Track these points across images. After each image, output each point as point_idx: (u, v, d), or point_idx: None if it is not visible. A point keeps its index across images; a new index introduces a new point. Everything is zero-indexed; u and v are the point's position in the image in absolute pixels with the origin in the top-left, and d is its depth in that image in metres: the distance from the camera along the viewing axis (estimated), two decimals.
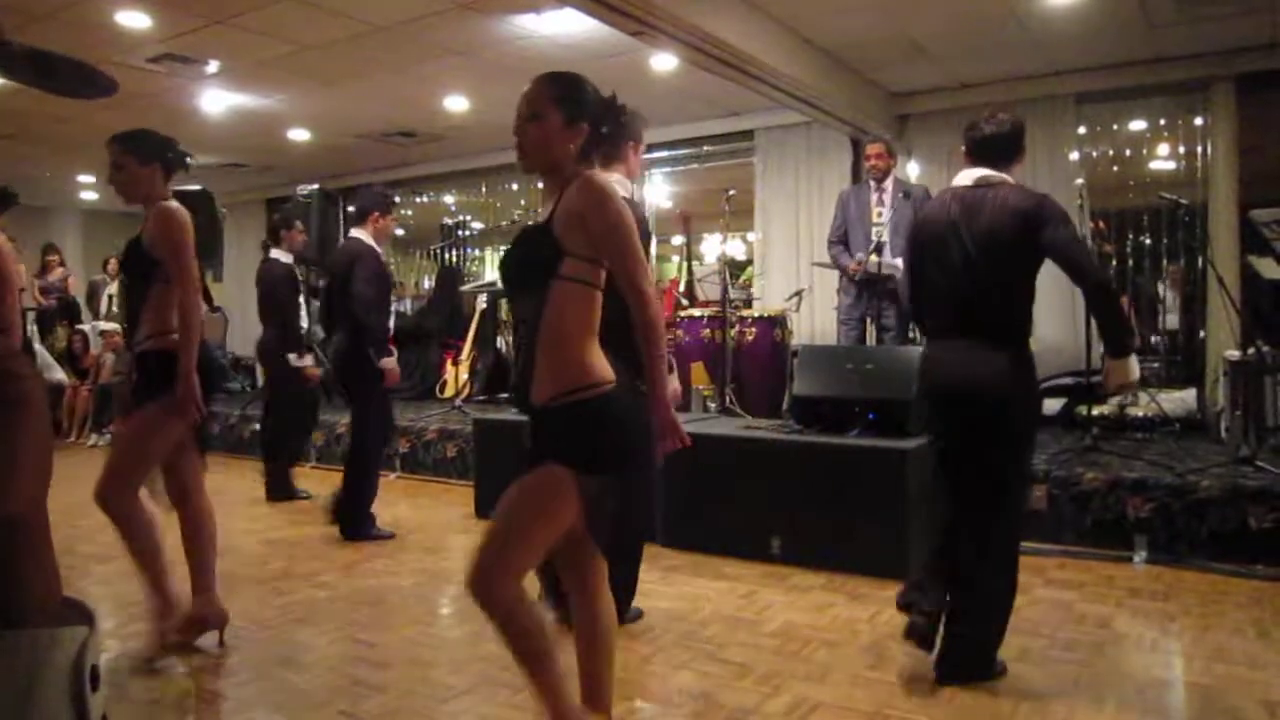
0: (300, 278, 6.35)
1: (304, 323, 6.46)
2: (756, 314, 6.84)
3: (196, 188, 9.29)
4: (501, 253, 12.90)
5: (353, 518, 5.01)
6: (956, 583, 2.94)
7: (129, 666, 3.19)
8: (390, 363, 4.95)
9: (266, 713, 2.81)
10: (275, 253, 6.13)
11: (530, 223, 2.19)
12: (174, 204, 3.22)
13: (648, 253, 3.68)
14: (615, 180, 3.54)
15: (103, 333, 9.55)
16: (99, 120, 8.23)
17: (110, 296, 10.83)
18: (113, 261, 10.96)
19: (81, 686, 0.95)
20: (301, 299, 6.37)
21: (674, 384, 3.56)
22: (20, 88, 7.07)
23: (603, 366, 2.11)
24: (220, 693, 2.96)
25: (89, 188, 12.10)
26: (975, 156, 3.04)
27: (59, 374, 9.36)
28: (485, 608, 2.11)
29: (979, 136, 3.02)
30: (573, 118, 2.17)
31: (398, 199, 11.55)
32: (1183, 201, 5.18)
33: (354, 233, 5.12)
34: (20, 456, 0.93)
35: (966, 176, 3.03)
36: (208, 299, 10.58)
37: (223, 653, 3.31)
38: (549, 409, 2.11)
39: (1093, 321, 5.62)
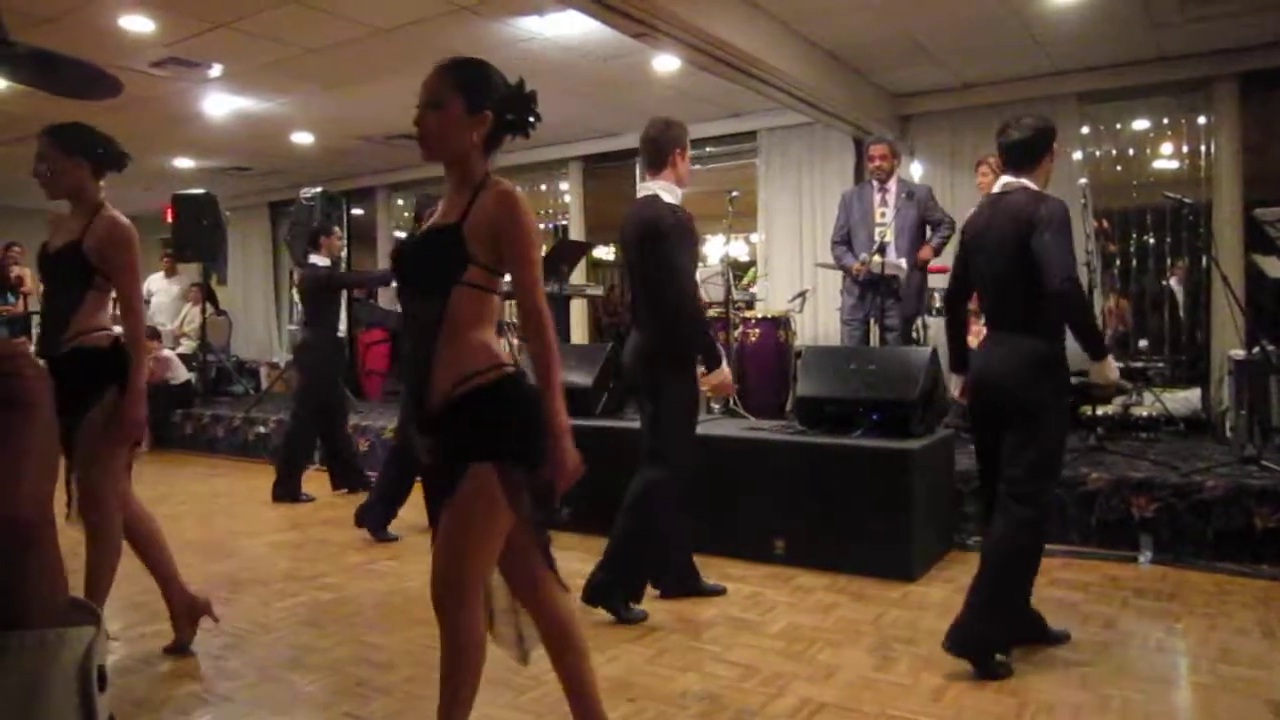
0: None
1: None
2: (760, 315, 6.84)
3: (200, 191, 9.32)
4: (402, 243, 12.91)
5: (382, 514, 5.07)
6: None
7: (137, 668, 3.20)
8: None
9: (272, 715, 2.81)
10: (314, 258, 6.15)
11: (437, 223, 2.13)
12: (122, 218, 3.08)
13: (695, 258, 3.73)
14: (662, 188, 3.59)
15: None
16: (102, 124, 8.24)
17: (114, 300, 10.84)
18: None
19: (89, 686, 0.95)
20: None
21: (723, 375, 3.62)
22: (24, 91, 7.09)
23: (500, 353, 2.08)
24: (227, 695, 2.97)
25: None
26: (1004, 163, 3.21)
27: None
28: (450, 619, 2.10)
29: (1004, 144, 3.19)
30: (475, 106, 2.08)
31: (400, 201, 11.62)
32: (1186, 201, 5.17)
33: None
34: (25, 457, 0.93)
35: (998, 184, 3.21)
36: (213, 303, 10.61)
37: (230, 655, 3.31)
38: (450, 402, 2.04)
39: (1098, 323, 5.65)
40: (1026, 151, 3.14)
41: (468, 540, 2.07)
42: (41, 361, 2.93)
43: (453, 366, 2.04)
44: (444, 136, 2.10)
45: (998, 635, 3.00)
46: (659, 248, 3.53)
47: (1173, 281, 8.18)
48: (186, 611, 3.35)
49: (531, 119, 2.18)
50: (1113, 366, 3.08)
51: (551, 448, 2.03)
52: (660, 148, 3.66)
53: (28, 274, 9.77)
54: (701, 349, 3.62)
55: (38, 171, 3.04)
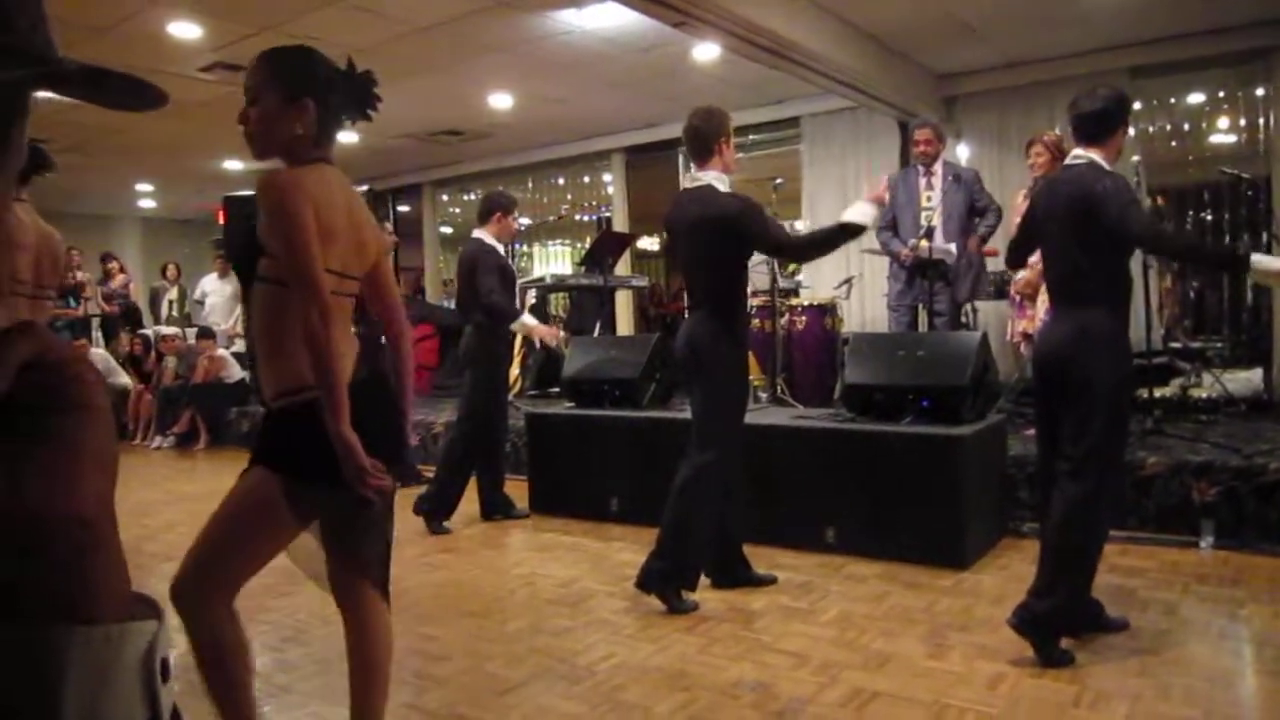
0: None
1: None
2: (806, 302, 6.80)
3: (250, 193, 9.48)
4: (549, 248, 13.00)
5: (444, 506, 5.17)
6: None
7: (194, 662, 3.28)
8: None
9: (330, 706, 2.87)
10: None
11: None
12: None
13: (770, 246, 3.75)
14: (715, 178, 3.60)
15: (163, 337, 9.80)
16: (155, 130, 8.44)
17: (170, 302, 11.11)
18: (171, 267, 11.24)
19: (153, 678, 0.98)
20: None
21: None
22: (78, 102, 7.27)
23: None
24: (286, 686, 3.03)
25: (147, 196, 12.40)
26: (1075, 135, 3.16)
27: (123, 378, 9.64)
28: (189, 620, 2.05)
29: (1074, 115, 3.13)
30: (292, 95, 1.99)
31: (445, 197, 11.72)
32: (1244, 176, 5.04)
33: (476, 233, 5.26)
34: (86, 458, 0.96)
35: (1069, 156, 3.17)
36: None
37: (288, 647, 3.38)
38: (270, 410, 2.05)
39: (1153, 302, 5.52)
40: (1099, 123, 3.08)
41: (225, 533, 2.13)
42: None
43: (277, 377, 2.04)
44: (265, 131, 2.02)
45: (1059, 619, 2.96)
46: (737, 232, 3.55)
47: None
48: None
49: (368, 101, 2.11)
50: (1263, 260, 2.90)
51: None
52: (705, 137, 3.65)
53: (88, 279, 10.04)
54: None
55: None
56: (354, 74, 2.08)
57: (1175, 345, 6.90)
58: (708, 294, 3.64)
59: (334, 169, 2.08)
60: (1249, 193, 5.84)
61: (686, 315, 3.84)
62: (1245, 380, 6.41)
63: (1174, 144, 7.71)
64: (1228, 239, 7.73)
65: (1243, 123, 7.14)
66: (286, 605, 3.89)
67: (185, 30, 5.95)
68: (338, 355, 1.92)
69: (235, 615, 2.10)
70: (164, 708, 0.99)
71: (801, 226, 8.89)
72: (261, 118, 2.00)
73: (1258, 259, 2.88)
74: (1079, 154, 3.10)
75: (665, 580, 3.60)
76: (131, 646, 0.98)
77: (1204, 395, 6.12)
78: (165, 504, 6.12)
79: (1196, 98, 7.39)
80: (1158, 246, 3.02)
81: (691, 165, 3.75)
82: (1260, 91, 6.79)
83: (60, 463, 0.88)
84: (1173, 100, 7.42)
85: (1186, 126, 7.63)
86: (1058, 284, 3.16)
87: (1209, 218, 7.76)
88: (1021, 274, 5.32)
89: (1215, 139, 7.79)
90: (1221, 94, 7.23)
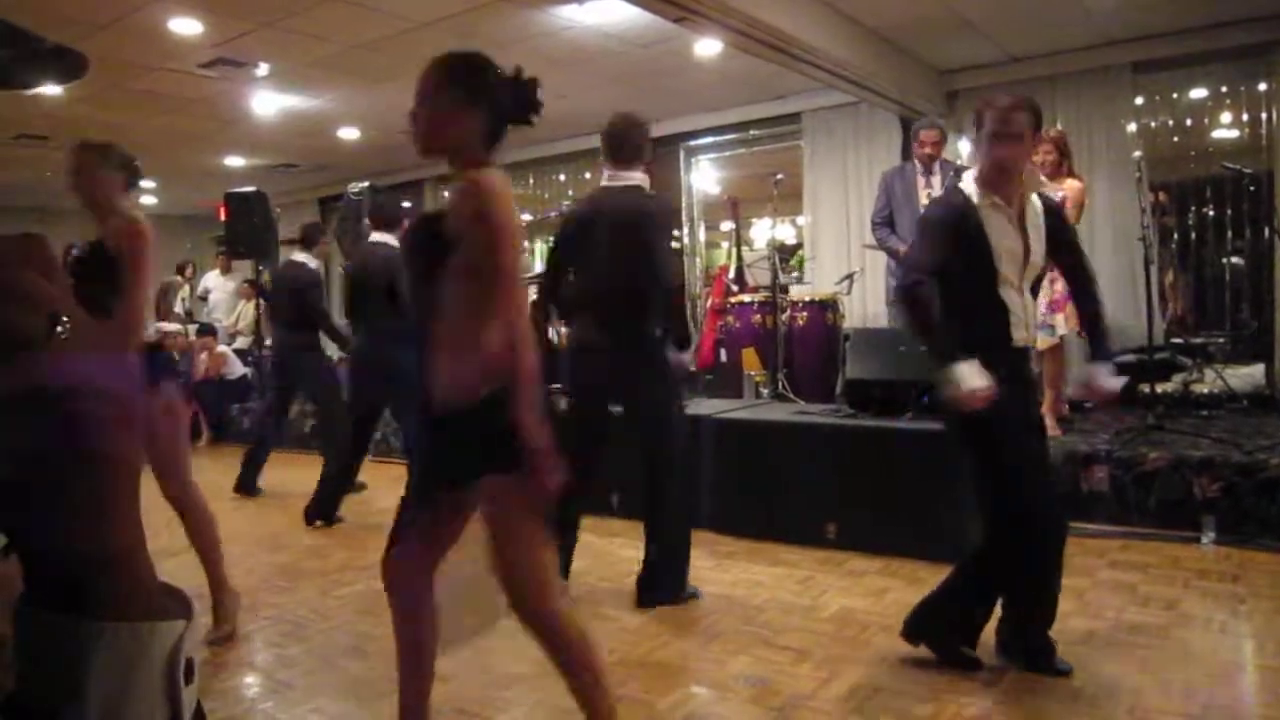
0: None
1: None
2: (807, 298, 6.79)
3: (251, 189, 9.49)
4: (550, 244, 12.98)
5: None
6: None
7: (200, 659, 3.28)
8: None
9: (331, 701, 2.88)
10: (302, 256, 6.23)
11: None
12: None
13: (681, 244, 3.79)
14: (642, 179, 3.67)
15: (165, 334, 9.78)
16: (156, 126, 8.44)
17: (183, 299, 11.09)
18: (190, 266, 11.22)
19: (176, 678, 0.98)
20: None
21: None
22: (77, 98, 7.28)
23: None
24: (288, 682, 3.04)
25: (149, 192, 12.38)
26: None
27: None
28: (556, 636, 2.13)
29: None
30: (466, 99, 2.07)
31: (447, 194, 11.72)
32: (1246, 171, 5.03)
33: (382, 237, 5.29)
34: (106, 500, 0.97)
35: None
36: (266, 298, 10.78)
37: (290, 643, 3.39)
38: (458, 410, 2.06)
39: (1154, 298, 5.50)
40: None
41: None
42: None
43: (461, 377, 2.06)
44: (434, 131, 2.09)
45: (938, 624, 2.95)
46: (661, 236, 3.62)
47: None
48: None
49: (532, 106, 2.15)
50: (959, 370, 2.63)
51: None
52: (635, 141, 3.64)
53: None
54: (686, 330, 3.78)
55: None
56: (520, 80, 2.15)
57: (1177, 341, 6.89)
58: (638, 292, 3.57)
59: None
60: (1251, 188, 5.83)
61: (594, 313, 3.65)
62: (1248, 376, 6.40)
63: (1175, 139, 7.70)
64: (1230, 235, 7.72)
65: (1245, 117, 7.12)
66: (287, 601, 3.90)
67: (186, 26, 5.94)
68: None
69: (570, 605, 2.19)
70: (185, 707, 1.00)
71: (803, 222, 8.91)
72: (433, 119, 2.08)
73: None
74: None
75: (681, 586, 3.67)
76: (157, 645, 0.98)
77: (1206, 391, 6.12)
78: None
79: (1198, 93, 7.37)
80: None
81: (609, 165, 3.66)
82: (1262, 86, 6.77)
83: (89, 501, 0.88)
84: (1174, 95, 7.40)
85: (1188, 122, 7.61)
86: None
87: (1211, 214, 7.74)
88: None
89: (1217, 134, 7.77)
90: (1224, 89, 7.21)
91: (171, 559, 4.59)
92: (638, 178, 3.63)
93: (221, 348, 9.44)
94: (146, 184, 11.78)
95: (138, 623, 0.94)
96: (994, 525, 2.83)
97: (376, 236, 5.35)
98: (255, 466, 6.29)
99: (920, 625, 2.95)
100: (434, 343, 2.08)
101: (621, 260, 3.56)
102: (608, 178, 3.68)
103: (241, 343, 10.26)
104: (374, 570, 4.39)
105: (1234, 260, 7.86)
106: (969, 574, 2.93)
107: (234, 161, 10.48)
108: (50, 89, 7.00)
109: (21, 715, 0.92)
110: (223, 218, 9.41)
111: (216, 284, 10.63)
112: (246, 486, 6.20)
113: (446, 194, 2.13)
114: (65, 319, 0.84)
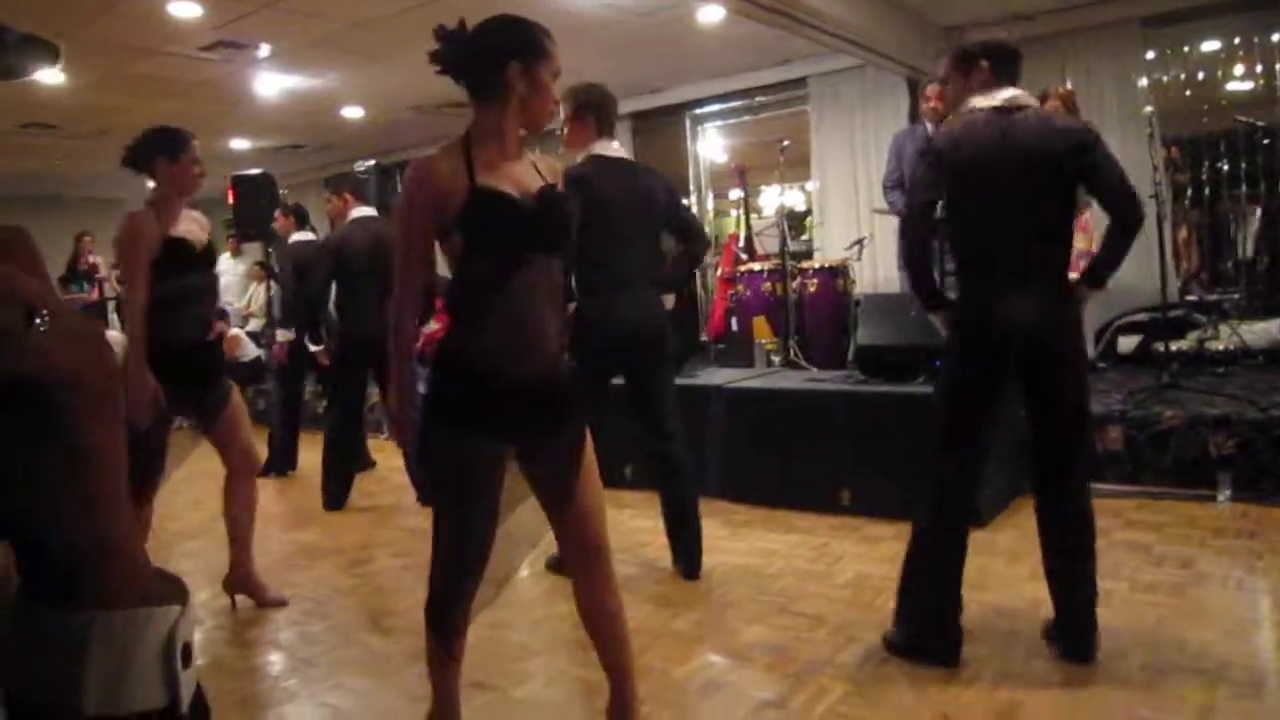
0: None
1: None
2: (817, 265, 6.76)
3: (258, 171, 9.49)
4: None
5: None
6: None
7: (222, 635, 3.33)
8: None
9: (353, 676, 2.91)
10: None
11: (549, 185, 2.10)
12: None
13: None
14: (624, 151, 3.69)
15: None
16: (158, 110, 8.42)
17: None
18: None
19: (173, 662, 1.00)
20: None
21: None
22: (98, 86, 7.27)
23: None
24: (309, 659, 3.08)
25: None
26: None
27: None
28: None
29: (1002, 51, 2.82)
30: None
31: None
32: (1259, 124, 4.95)
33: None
34: (92, 499, 0.99)
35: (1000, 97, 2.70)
36: (277, 280, 10.81)
37: (311, 620, 3.43)
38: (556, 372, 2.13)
39: (1169, 257, 5.45)
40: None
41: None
42: None
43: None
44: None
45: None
46: (682, 205, 3.64)
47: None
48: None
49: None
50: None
51: None
52: (612, 111, 3.59)
53: (102, 262, 10.07)
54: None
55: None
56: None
57: (1191, 298, 6.83)
58: (646, 270, 3.59)
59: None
60: (1265, 141, 5.74)
61: (617, 289, 3.52)
62: (1263, 331, 6.33)
63: (1188, 93, 7.58)
64: (1244, 188, 7.61)
65: (1259, 69, 7.01)
66: (307, 579, 3.95)
67: (186, 9, 5.91)
68: None
69: None
70: (184, 690, 1.02)
71: (811, 188, 8.85)
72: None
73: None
74: (1017, 94, 2.71)
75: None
76: (152, 631, 1.00)
77: (1221, 348, 6.07)
78: (185, 481, 6.17)
79: (1210, 45, 7.24)
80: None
81: (601, 135, 3.52)
82: (1276, 37, 6.67)
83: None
84: (1186, 49, 7.28)
85: (1201, 75, 7.49)
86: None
87: (1225, 167, 7.64)
88: None
89: (1231, 86, 7.65)
90: (1236, 40, 7.09)
91: (191, 540, 4.65)
92: (623, 150, 3.64)
93: (234, 330, 9.48)
94: None
95: (132, 609, 0.96)
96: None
97: (359, 212, 5.37)
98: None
99: None
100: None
101: (638, 238, 3.56)
102: (602, 146, 3.54)
103: (254, 325, 10.30)
104: (391, 548, 4.45)
105: (1250, 214, 7.76)
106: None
107: (239, 144, 10.47)
108: (40, 78, 7.00)
109: (18, 707, 0.93)
110: (231, 201, 9.44)
111: (227, 267, 10.64)
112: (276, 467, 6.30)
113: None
114: (45, 312, 0.84)
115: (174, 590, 1.03)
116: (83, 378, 0.88)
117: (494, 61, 2.01)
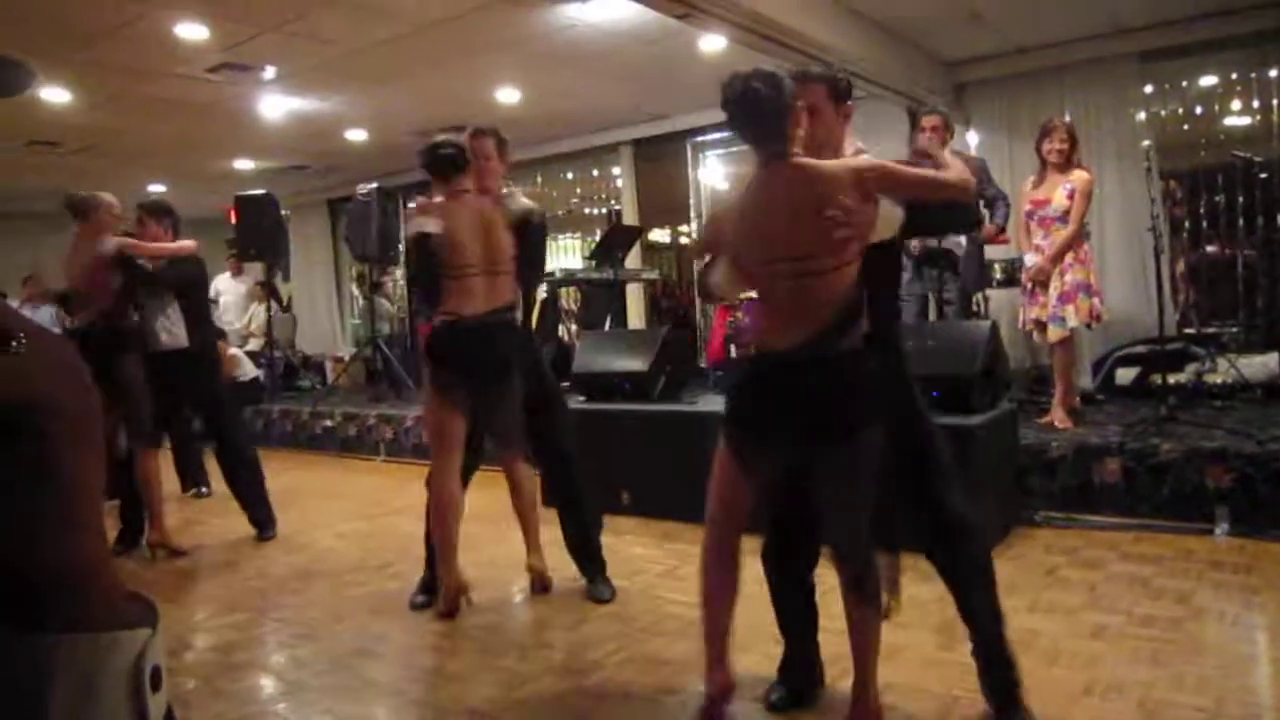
0: None
1: None
2: None
3: (261, 192, 9.53)
4: (558, 242, 12.99)
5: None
6: None
7: (213, 658, 3.31)
8: None
9: (343, 702, 2.89)
10: None
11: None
12: None
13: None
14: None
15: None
16: (164, 130, 8.49)
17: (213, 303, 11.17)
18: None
19: (142, 687, 0.99)
20: None
21: None
22: (90, 105, 7.33)
23: None
24: (300, 683, 3.05)
25: (160, 196, 12.47)
26: None
27: None
28: None
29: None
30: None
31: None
32: (1257, 159, 4.99)
33: None
34: (57, 517, 0.98)
35: None
36: (278, 300, 10.84)
37: (302, 644, 3.41)
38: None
39: (1165, 289, 5.46)
40: None
41: None
42: None
43: None
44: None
45: None
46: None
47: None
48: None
49: None
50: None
51: None
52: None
53: None
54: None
55: None
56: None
57: (1190, 331, 6.84)
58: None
59: None
60: (1262, 175, 5.77)
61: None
62: (1261, 365, 6.34)
63: (1186, 128, 7.64)
64: (1241, 222, 7.65)
65: (1256, 104, 7.06)
66: (298, 602, 3.93)
67: (192, 31, 5.96)
68: None
69: None
70: (153, 715, 1.00)
71: None
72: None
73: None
74: None
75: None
76: (120, 655, 0.98)
77: (1219, 381, 6.07)
78: (181, 500, 6.16)
79: (1208, 80, 7.30)
80: None
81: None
82: (1273, 73, 6.71)
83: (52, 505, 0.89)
84: (1184, 84, 7.34)
85: (1199, 110, 7.54)
86: None
87: (1222, 201, 7.68)
88: (1030, 259, 5.30)
89: (1228, 122, 7.70)
90: (1234, 76, 7.15)
91: (186, 560, 4.63)
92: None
93: (233, 350, 9.49)
94: (157, 188, 11.86)
95: (98, 633, 0.94)
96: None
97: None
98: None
99: None
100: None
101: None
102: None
103: (254, 345, 10.31)
104: (385, 571, 4.43)
105: (1246, 249, 7.79)
106: None
107: (243, 164, 10.52)
108: (48, 97, 7.06)
109: None
110: (233, 220, 9.48)
111: (227, 286, 10.68)
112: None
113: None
114: (21, 335, 0.84)
115: (144, 613, 1.02)
116: (60, 401, 0.88)
117: None
